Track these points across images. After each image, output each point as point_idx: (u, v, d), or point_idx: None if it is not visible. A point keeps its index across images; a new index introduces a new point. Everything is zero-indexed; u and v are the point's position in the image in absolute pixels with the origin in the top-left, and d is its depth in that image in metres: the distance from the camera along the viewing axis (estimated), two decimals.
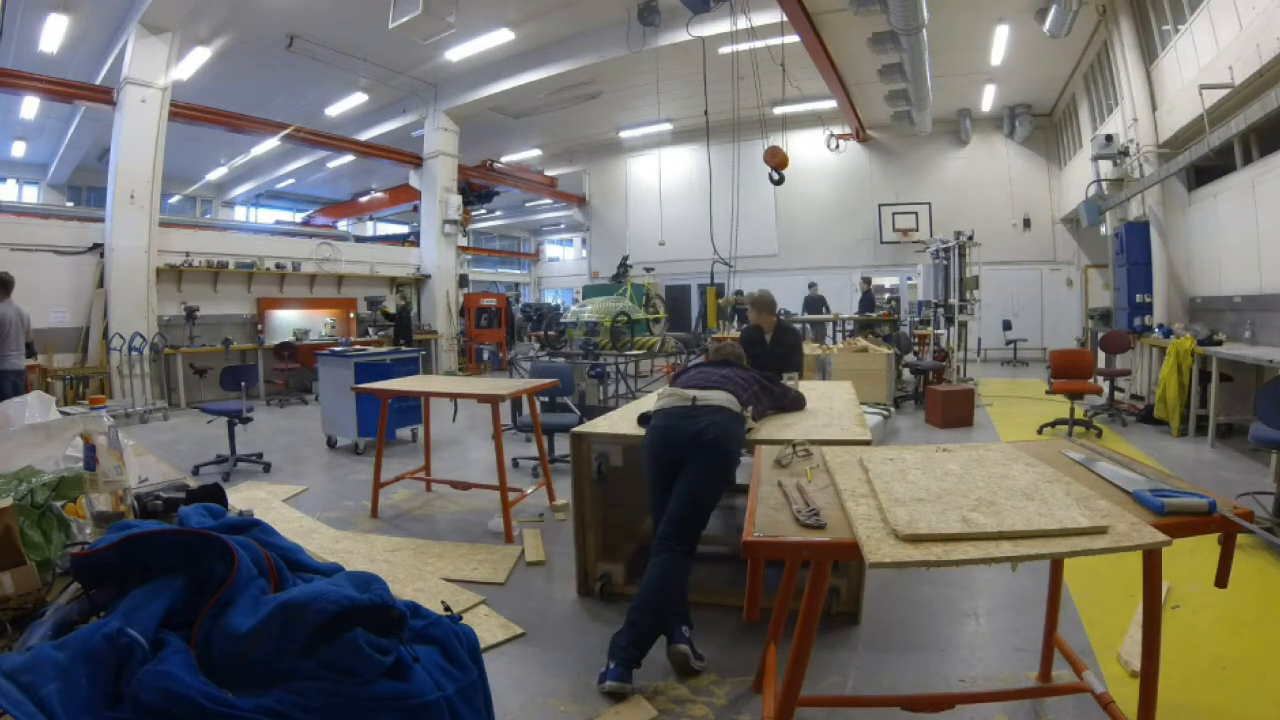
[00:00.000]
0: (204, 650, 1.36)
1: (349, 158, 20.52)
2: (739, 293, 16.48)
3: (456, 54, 14.76)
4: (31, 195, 21.08)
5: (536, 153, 23.77)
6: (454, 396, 6.89)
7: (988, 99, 18.16)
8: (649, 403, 4.54)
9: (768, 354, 6.05)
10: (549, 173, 25.09)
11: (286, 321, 15.11)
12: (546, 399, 7.69)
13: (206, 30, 13.08)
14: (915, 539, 1.80)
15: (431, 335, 17.67)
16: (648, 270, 19.19)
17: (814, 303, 17.99)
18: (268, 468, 7.66)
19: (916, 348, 13.17)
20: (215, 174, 22.82)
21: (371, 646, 1.42)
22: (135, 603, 1.40)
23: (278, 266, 15.25)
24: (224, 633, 1.37)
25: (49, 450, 2.75)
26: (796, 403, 4.57)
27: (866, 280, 18.29)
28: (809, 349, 10.41)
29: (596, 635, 3.71)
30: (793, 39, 13.10)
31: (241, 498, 6.22)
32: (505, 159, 22.87)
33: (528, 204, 29.44)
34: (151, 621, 1.35)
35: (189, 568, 1.51)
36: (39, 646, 1.30)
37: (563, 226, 34.47)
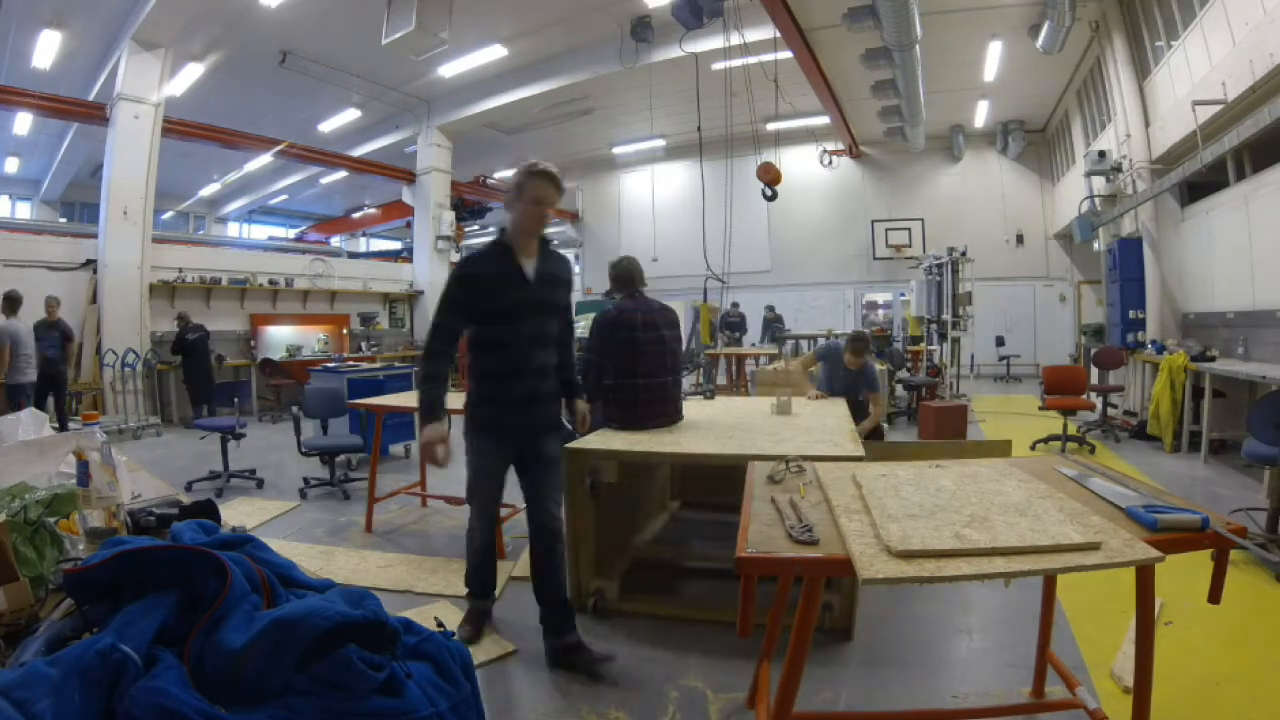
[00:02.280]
0: (197, 666, 1.35)
1: (342, 174, 20.59)
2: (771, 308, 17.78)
3: (449, 70, 14.83)
4: (25, 211, 21.12)
5: None
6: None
7: (981, 115, 18.26)
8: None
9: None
10: None
11: (280, 337, 15.08)
12: None
13: (199, 46, 13.11)
14: (908, 555, 1.80)
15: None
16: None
17: None
18: (261, 483, 7.64)
19: (909, 364, 13.19)
20: (208, 190, 22.83)
21: (364, 663, 1.42)
22: (128, 619, 1.39)
23: (271, 282, 15.25)
24: (217, 649, 1.37)
25: (42, 466, 2.74)
26: None
27: (770, 308, 18.61)
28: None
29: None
30: (786, 55, 13.16)
31: (235, 514, 6.19)
32: (498, 175, 22.89)
33: None
34: (145, 637, 1.34)
35: (182, 584, 1.50)
36: (32, 663, 1.29)
37: (556, 242, 34.24)
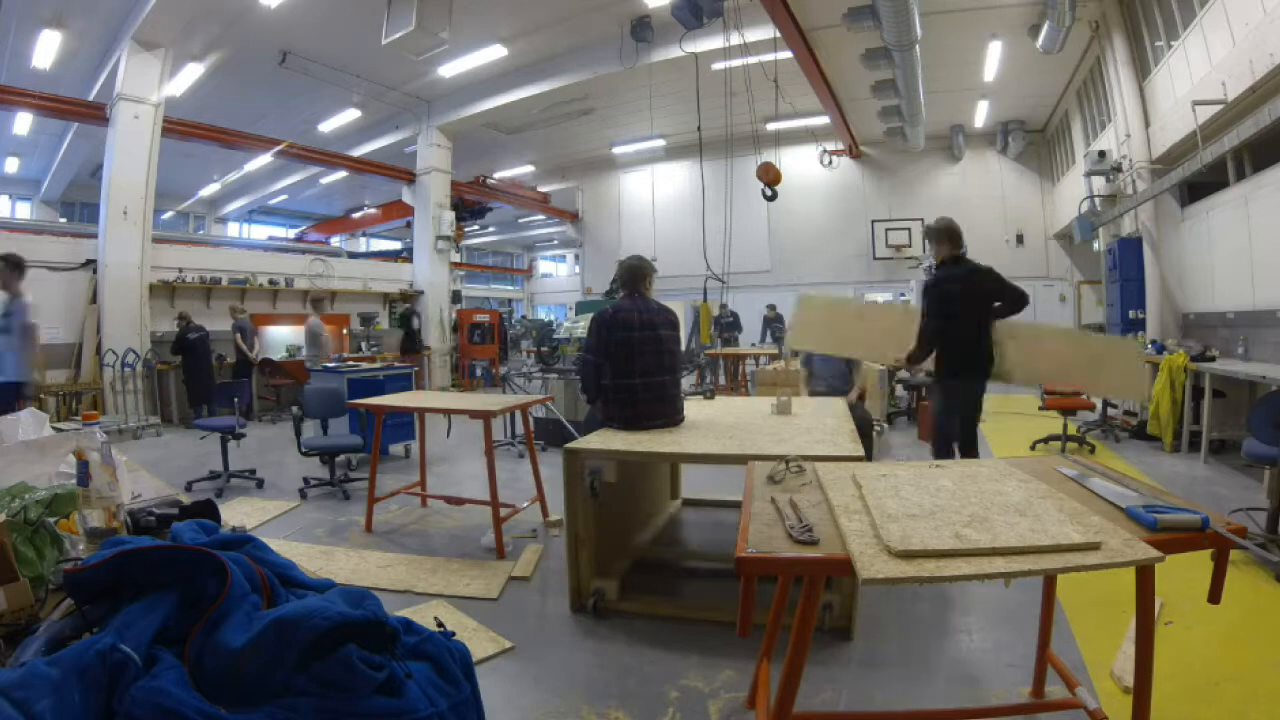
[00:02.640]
0: (197, 666, 1.35)
1: (342, 174, 20.59)
2: (772, 306, 17.95)
3: (449, 70, 14.83)
4: (25, 211, 21.12)
5: (530, 169, 23.80)
6: (447, 412, 6.86)
7: (981, 115, 18.26)
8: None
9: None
10: (542, 189, 25.12)
11: (280, 338, 15.05)
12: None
13: (199, 46, 13.10)
14: (908, 555, 1.80)
15: (425, 351, 17.67)
16: None
17: None
18: (261, 483, 7.63)
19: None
20: (208, 190, 22.85)
21: (364, 663, 1.42)
22: (128, 619, 1.39)
23: (271, 283, 15.26)
24: (217, 649, 1.37)
25: (42, 466, 2.75)
26: None
27: (771, 307, 18.60)
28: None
29: (588, 652, 3.71)
30: (786, 55, 13.16)
31: (235, 513, 6.20)
32: (498, 175, 22.92)
33: (521, 220, 29.50)
34: (144, 638, 1.34)
35: (182, 584, 1.50)
36: (32, 663, 1.29)
37: (556, 242, 34.56)
